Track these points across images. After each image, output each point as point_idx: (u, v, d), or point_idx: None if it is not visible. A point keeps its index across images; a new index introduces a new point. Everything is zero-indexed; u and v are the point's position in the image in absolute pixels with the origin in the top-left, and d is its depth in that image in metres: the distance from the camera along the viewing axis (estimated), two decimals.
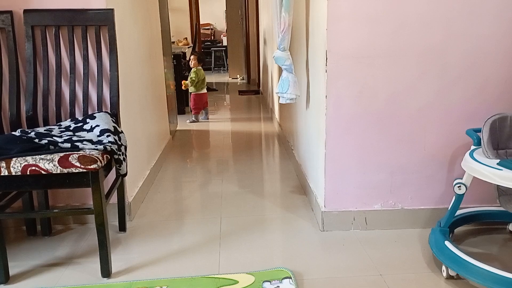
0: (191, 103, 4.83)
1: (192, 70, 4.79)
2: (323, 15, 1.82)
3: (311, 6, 2.11)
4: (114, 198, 2.00)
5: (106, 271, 1.65)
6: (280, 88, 2.21)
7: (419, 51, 1.80)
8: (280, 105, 3.73)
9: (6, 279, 1.64)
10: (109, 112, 1.90)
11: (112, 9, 1.91)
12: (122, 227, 2.04)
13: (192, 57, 4.86)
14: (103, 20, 1.91)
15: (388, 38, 1.79)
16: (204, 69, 5.06)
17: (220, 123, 4.70)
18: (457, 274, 1.56)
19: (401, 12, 1.76)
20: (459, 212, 1.83)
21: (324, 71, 1.84)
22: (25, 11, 1.88)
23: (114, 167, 1.80)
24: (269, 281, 1.59)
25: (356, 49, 1.79)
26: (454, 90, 1.85)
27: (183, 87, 4.76)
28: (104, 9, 1.91)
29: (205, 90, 4.91)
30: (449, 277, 1.59)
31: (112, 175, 1.91)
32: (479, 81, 1.84)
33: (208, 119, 4.91)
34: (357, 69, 1.82)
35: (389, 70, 1.82)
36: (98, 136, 1.71)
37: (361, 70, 1.82)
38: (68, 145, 1.60)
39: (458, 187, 1.62)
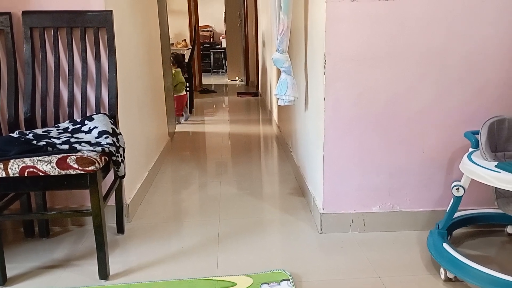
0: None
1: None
2: (321, 17, 1.82)
3: (309, 8, 2.11)
4: (112, 200, 2.00)
5: (104, 273, 1.65)
6: (279, 90, 2.22)
7: (419, 53, 1.81)
8: (279, 107, 3.73)
9: (4, 281, 1.64)
10: (107, 113, 1.90)
11: (111, 11, 1.91)
12: (120, 229, 2.03)
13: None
14: (102, 22, 1.91)
15: (387, 41, 1.79)
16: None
17: (218, 125, 4.70)
18: (455, 277, 1.56)
19: (400, 14, 1.77)
20: (457, 214, 1.83)
21: (322, 73, 1.85)
22: (24, 12, 1.88)
23: (112, 168, 1.80)
24: (267, 283, 1.58)
25: (355, 51, 1.80)
26: (454, 92, 1.86)
27: None
28: (103, 11, 1.91)
29: (184, 92, 4.89)
30: (447, 280, 1.59)
31: (110, 176, 1.91)
32: (478, 83, 1.85)
33: (187, 119, 4.87)
34: (356, 71, 1.82)
35: (388, 72, 1.82)
36: (96, 137, 1.71)
37: (360, 72, 1.82)
38: (66, 146, 1.60)
39: (456, 189, 1.62)
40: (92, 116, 1.83)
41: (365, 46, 1.79)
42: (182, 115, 4.93)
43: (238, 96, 6.72)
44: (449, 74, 1.83)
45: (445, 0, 1.75)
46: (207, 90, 7.28)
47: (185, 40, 6.78)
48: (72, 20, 1.90)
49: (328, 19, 1.77)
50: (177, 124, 4.66)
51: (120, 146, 1.78)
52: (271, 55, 2.29)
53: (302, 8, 2.27)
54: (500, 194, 1.71)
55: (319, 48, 1.90)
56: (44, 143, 1.59)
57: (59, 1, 1.91)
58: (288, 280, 1.60)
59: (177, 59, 4.86)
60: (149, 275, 1.68)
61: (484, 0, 1.75)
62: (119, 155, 1.75)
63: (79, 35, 1.93)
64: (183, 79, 4.91)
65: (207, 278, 1.64)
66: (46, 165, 1.50)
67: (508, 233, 1.93)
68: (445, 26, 1.78)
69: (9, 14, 1.88)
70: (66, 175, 1.52)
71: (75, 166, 1.51)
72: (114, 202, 2.00)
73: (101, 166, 1.58)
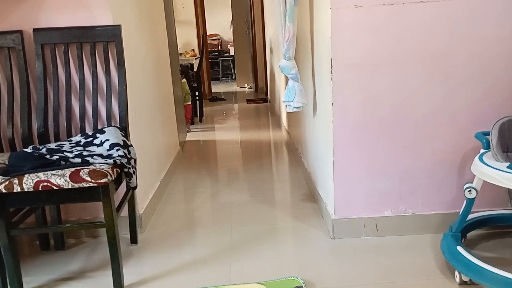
0: None
1: None
2: (327, 24, 1.83)
3: (315, 16, 2.12)
4: (125, 211, 2.02)
5: (118, 284, 1.66)
6: (287, 97, 2.23)
7: (424, 57, 1.80)
8: (288, 113, 3.74)
9: None
10: (118, 126, 1.93)
11: (119, 25, 1.94)
12: (134, 240, 2.05)
13: None
14: (110, 36, 1.94)
15: (392, 45, 1.79)
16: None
17: (229, 132, 4.72)
18: (471, 280, 1.55)
19: (404, 19, 1.77)
20: (470, 216, 1.82)
21: (329, 79, 1.85)
22: (35, 30, 1.92)
23: (124, 180, 1.82)
24: None
25: (361, 57, 1.80)
26: (460, 94, 1.85)
27: None
28: (112, 26, 1.94)
29: (189, 102, 4.97)
30: (463, 283, 1.57)
31: (123, 188, 1.93)
32: (485, 84, 1.83)
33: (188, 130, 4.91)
34: (363, 76, 1.82)
35: (395, 77, 1.82)
36: (108, 150, 1.74)
37: (367, 77, 1.82)
38: (79, 160, 1.62)
39: (469, 191, 1.61)
40: (104, 129, 1.85)
41: (370, 51, 1.80)
42: (192, 123, 4.97)
43: (247, 103, 6.75)
44: (454, 77, 1.82)
45: (447, 3, 1.75)
46: (216, 98, 7.33)
47: (193, 49, 6.84)
48: (81, 36, 1.94)
49: (333, 26, 1.78)
50: (187, 132, 4.69)
51: (131, 157, 1.80)
52: (279, 62, 2.30)
53: (307, 15, 2.29)
54: None
55: (326, 55, 1.91)
56: (57, 157, 1.62)
57: (69, 17, 1.95)
58: (302, 287, 1.60)
59: (182, 70, 4.92)
60: (163, 285, 1.69)
61: (485, 2, 1.75)
62: (130, 166, 1.77)
63: (89, 50, 1.97)
64: (188, 89, 4.97)
65: (221, 287, 1.64)
66: (60, 179, 1.52)
67: None
68: (449, 29, 1.78)
69: (20, 32, 1.92)
70: (79, 188, 1.55)
71: (88, 179, 1.53)
72: (127, 213, 2.02)
73: (113, 178, 1.60)
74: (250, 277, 1.71)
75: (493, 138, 1.56)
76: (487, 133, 1.64)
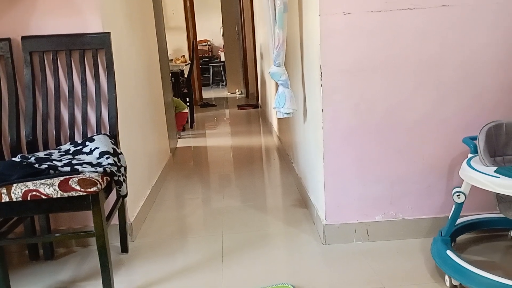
0: None
1: None
2: (316, 31, 1.85)
3: (304, 22, 2.14)
4: (115, 219, 2.01)
5: None
6: (277, 103, 2.23)
7: (414, 63, 1.82)
8: (279, 119, 3.75)
9: None
10: (108, 134, 1.92)
11: (109, 33, 1.93)
12: (124, 248, 2.04)
13: None
14: (100, 43, 1.93)
15: (382, 51, 1.81)
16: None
17: (220, 138, 4.72)
18: (461, 284, 1.56)
19: (394, 25, 1.79)
20: (460, 220, 1.84)
21: (319, 85, 1.86)
22: (23, 37, 1.91)
23: (114, 188, 1.81)
24: None
25: (351, 63, 1.82)
26: (451, 100, 1.87)
27: None
28: (101, 33, 1.93)
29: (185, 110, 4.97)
30: (453, 287, 1.58)
31: (113, 196, 1.92)
32: (475, 90, 1.86)
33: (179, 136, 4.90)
34: (353, 82, 1.84)
35: (385, 82, 1.84)
36: (98, 158, 1.73)
37: (356, 83, 1.84)
38: (68, 168, 1.61)
39: (457, 195, 1.63)
40: (93, 137, 1.84)
41: (360, 57, 1.81)
42: (183, 129, 4.95)
43: (238, 109, 6.75)
44: (445, 83, 1.85)
45: (438, 9, 1.77)
46: (207, 104, 7.32)
47: (183, 55, 6.84)
48: (70, 43, 1.93)
49: (323, 32, 1.79)
50: (178, 138, 4.68)
51: (121, 165, 1.79)
52: (269, 68, 2.31)
53: (297, 22, 2.30)
54: (502, 199, 1.72)
55: (315, 61, 1.92)
56: (46, 166, 1.60)
57: (58, 25, 1.94)
58: None
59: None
60: None
61: (476, 8, 1.77)
62: (120, 174, 1.76)
63: (78, 57, 1.96)
64: (178, 100, 4.94)
65: None
66: (49, 188, 1.51)
67: (511, 237, 1.93)
68: (439, 35, 1.80)
69: (8, 39, 1.91)
70: (68, 197, 1.54)
71: (77, 188, 1.52)
72: (118, 221, 2.01)
73: (103, 187, 1.59)
74: (241, 284, 1.70)
75: (481, 143, 1.58)
76: (475, 138, 1.66)
